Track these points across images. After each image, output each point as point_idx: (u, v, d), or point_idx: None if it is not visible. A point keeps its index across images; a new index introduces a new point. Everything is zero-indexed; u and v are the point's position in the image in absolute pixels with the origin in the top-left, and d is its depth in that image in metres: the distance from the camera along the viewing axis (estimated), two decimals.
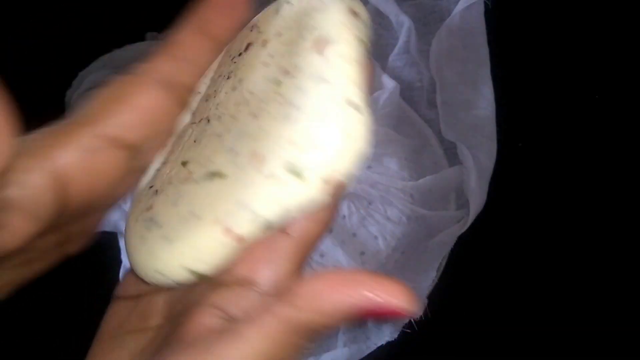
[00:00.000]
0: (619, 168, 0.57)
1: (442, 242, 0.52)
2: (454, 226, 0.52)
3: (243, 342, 0.19)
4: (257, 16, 0.25)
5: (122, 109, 0.23)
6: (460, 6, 0.56)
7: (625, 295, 0.54)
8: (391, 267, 0.54)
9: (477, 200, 0.52)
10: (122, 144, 0.23)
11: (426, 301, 0.50)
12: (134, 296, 0.29)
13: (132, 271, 0.27)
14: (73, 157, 0.22)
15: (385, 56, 0.60)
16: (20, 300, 0.58)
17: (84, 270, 0.58)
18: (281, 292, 0.21)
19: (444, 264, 0.52)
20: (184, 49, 0.24)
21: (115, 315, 0.29)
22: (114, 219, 0.57)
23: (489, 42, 0.56)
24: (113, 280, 0.56)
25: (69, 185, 0.22)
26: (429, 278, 0.51)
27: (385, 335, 0.50)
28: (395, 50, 0.60)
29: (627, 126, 0.58)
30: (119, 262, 0.57)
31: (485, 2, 0.56)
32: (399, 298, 0.20)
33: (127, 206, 0.56)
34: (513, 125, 0.56)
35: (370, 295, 0.20)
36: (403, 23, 0.59)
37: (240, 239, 0.21)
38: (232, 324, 0.20)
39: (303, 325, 0.20)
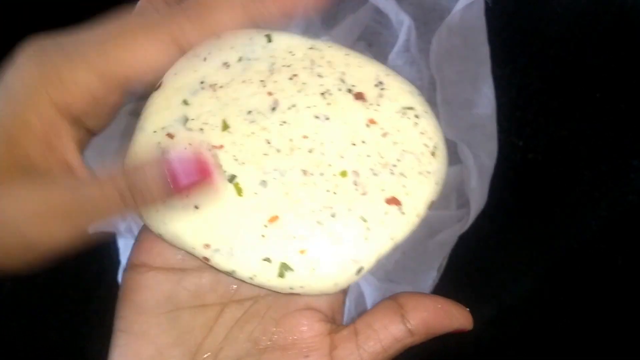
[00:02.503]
0: (619, 168, 0.57)
1: (443, 242, 0.52)
2: (454, 226, 0.52)
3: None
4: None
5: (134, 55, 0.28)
6: (460, 5, 0.55)
7: (626, 296, 0.54)
8: (391, 267, 0.54)
9: (478, 199, 0.52)
10: (124, 87, 0.28)
11: None
12: (174, 269, 0.29)
13: (158, 242, 0.30)
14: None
15: (385, 55, 0.60)
16: (20, 300, 0.59)
17: (84, 270, 0.58)
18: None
19: (444, 263, 0.52)
20: (212, 17, 0.29)
21: (155, 288, 0.29)
22: (113, 219, 0.57)
23: (490, 41, 0.56)
24: (112, 280, 0.56)
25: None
26: (429, 278, 0.51)
27: None
28: (395, 48, 0.60)
29: (628, 126, 0.58)
30: (118, 262, 0.57)
31: (485, 1, 0.56)
32: (469, 324, 0.30)
33: None
34: (514, 124, 0.56)
35: (457, 327, 0.29)
36: (403, 21, 0.59)
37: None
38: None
39: (408, 345, 0.29)
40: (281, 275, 0.28)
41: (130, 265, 0.29)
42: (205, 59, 0.29)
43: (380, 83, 0.30)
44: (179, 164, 0.25)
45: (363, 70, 0.30)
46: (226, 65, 0.30)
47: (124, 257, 0.57)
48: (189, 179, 0.25)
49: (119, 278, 0.57)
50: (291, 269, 0.28)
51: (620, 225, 0.55)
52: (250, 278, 0.28)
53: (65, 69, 0.26)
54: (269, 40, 0.30)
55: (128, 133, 0.58)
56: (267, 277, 0.28)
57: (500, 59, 0.57)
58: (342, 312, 0.31)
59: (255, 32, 0.30)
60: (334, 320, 0.30)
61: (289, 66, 0.30)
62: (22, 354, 0.57)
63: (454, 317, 0.29)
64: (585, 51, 0.59)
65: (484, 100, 0.56)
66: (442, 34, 0.57)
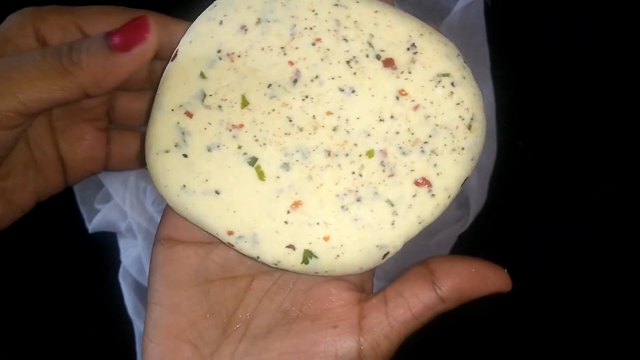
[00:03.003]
0: (619, 167, 0.57)
1: (442, 242, 0.52)
2: (454, 225, 0.52)
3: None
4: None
5: None
6: (459, 5, 0.56)
7: (626, 293, 0.54)
8: (391, 267, 0.54)
9: (477, 199, 0.52)
10: None
11: None
12: (201, 242, 0.29)
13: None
14: None
15: None
16: (20, 300, 0.59)
17: (84, 271, 0.58)
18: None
19: None
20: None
21: (184, 262, 0.28)
22: (113, 219, 0.57)
23: (489, 41, 0.56)
24: (113, 280, 0.56)
25: None
26: None
27: None
28: None
29: (627, 125, 0.58)
30: (119, 262, 0.57)
31: (485, 1, 0.56)
32: (507, 285, 0.28)
33: (126, 206, 0.56)
34: (513, 124, 0.56)
35: (493, 291, 0.28)
36: None
37: None
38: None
39: (440, 311, 0.27)
40: (305, 261, 0.27)
41: (159, 239, 0.29)
42: (221, 22, 0.27)
43: (413, 46, 0.27)
44: (119, 30, 0.26)
45: (393, 30, 0.27)
46: (244, 28, 0.27)
47: (124, 257, 0.57)
48: (125, 38, 0.26)
49: (119, 278, 0.57)
50: (315, 256, 0.27)
51: (620, 225, 0.56)
52: (275, 264, 0.27)
53: None
54: None
55: None
56: (292, 263, 0.27)
57: (500, 59, 0.57)
58: (371, 280, 0.30)
59: None
60: (363, 289, 0.29)
61: (311, 28, 0.27)
62: (22, 353, 0.58)
63: (489, 280, 0.28)
64: (584, 51, 0.59)
65: (484, 100, 0.56)
66: (441, 33, 0.57)
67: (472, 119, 0.27)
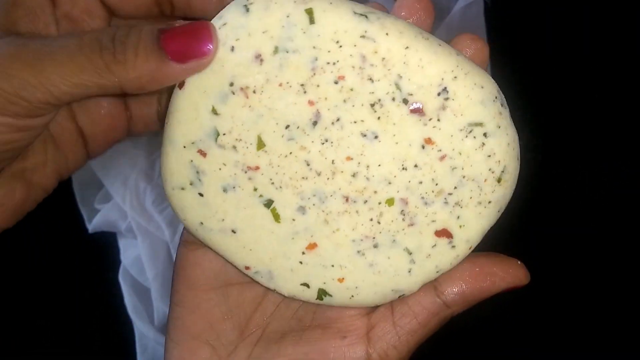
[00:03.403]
0: (619, 169, 0.57)
1: None
2: None
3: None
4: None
5: None
6: (459, 4, 0.56)
7: (627, 295, 0.54)
8: None
9: None
10: None
11: None
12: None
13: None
14: None
15: None
16: (20, 299, 0.59)
17: (84, 271, 0.58)
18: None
19: None
20: None
21: (205, 265, 0.29)
22: (113, 219, 0.57)
23: (489, 41, 0.55)
24: (113, 280, 0.56)
25: None
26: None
27: None
28: None
29: (627, 125, 0.58)
30: (119, 262, 0.57)
31: (484, 1, 0.56)
32: (520, 278, 0.26)
33: (126, 206, 0.56)
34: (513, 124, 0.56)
35: (505, 287, 0.26)
36: None
37: None
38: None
39: (448, 317, 0.27)
40: (320, 298, 0.27)
41: (183, 242, 0.29)
42: (232, 49, 0.24)
43: (445, 90, 0.24)
44: (179, 29, 0.23)
45: (424, 72, 0.24)
46: (259, 58, 0.24)
47: (124, 257, 0.57)
48: (182, 45, 0.22)
49: (119, 278, 0.57)
50: (329, 295, 0.27)
51: (620, 227, 0.56)
52: (291, 297, 0.28)
53: None
54: (312, 21, 0.23)
55: None
56: (307, 298, 0.27)
57: (500, 59, 0.57)
58: None
59: (291, 3, 0.23)
60: None
61: (334, 63, 0.24)
62: (22, 353, 0.58)
63: (497, 277, 0.26)
64: (584, 51, 0.59)
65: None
66: (441, 34, 0.57)
67: (503, 171, 0.25)
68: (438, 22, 0.58)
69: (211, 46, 0.23)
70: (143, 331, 0.55)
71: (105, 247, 0.58)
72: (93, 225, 0.57)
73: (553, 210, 0.56)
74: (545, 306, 0.54)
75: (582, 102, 0.59)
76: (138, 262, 0.56)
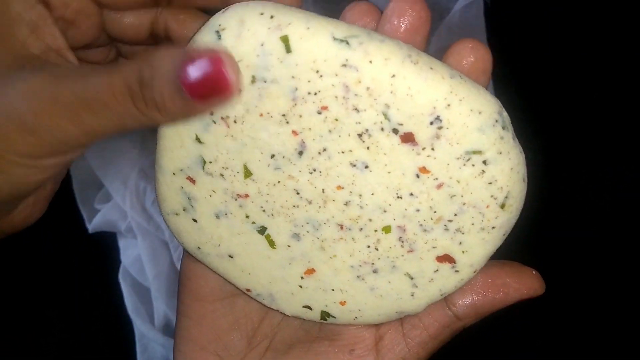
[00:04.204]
0: (619, 166, 0.57)
1: None
2: None
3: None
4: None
5: None
6: (459, 4, 0.56)
7: (628, 299, 0.54)
8: None
9: None
10: None
11: None
12: None
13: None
14: None
15: None
16: (20, 299, 0.58)
17: (84, 271, 0.58)
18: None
19: None
20: None
21: (209, 276, 0.28)
22: (113, 219, 0.57)
23: (489, 41, 0.56)
24: (113, 280, 0.56)
25: None
26: None
27: None
28: None
29: (627, 125, 0.58)
30: (119, 262, 0.57)
31: (484, 1, 0.56)
32: (535, 289, 0.26)
33: (126, 206, 0.56)
34: (513, 125, 0.56)
35: (519, 298, 0.25)
36: None
37: None
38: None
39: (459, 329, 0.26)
40: (324, 319, 0.27)
41: (186, 254, 0.29)
42: None
43: (437, 119, 0.22)
44: (195, 70, 0.21)
45: (414, 100, 0.22)
46: None
47: (124, 257, 0.57)
48: (202, 84, 0.22)
49: (119, 278, 0.57)
50: (333, 317, 0.27)
51: (623, 229, 0.55)
52: (295, 317, 0.27)
53: None
54: (288, 50, 0.22)
55: (127, 134, 0.58)
56: (310, 318, 0.27)
57: (500, 59, 0.57)
58: None
59: (265, 30, 0.22)
60: None
61: (315, 94, 0.22)
62: (22, 353, 0.58)
63: (511, 289, 0.25)
64: (584, 51, 0.59)
65: None
66: (441, 33, 0.57)
67: (506, 197, 0.24)
68: (438, 22, 0.58)
69: (233, 84, 0.22)
70: (143, 331, 0.55)
71: (105, 247, 0.58)
72: (93, 225, 0.57)
73: (554, 214, 0.56)
74: (548, 309, 0.54)
75: (582, 103, 0.59)
76: (138, 262, 0.56)
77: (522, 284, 0.26)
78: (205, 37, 0.23)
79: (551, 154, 0.58)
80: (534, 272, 0.26)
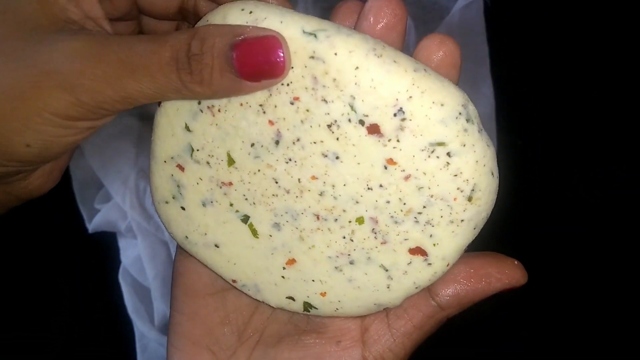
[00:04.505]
0: (619, 166, 0.57)
1: None
2: None
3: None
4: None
5: None
6: (459, 4, 0.56)
7: (627, 295, 0.54)
8: None
9: None
10: None
11: None
12: None
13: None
14: None
15: None
16: (20, 299, 0.59)
17: (84, 270, 0.58)
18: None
19: None
20: None
21: (201, 272, 0.29)
22: (113, 219, 0.57)
23: (488, 40, 0.56)
24: (113, 279, 0.57)
25: None
26: None
27: None
28: None
29: (626, 124, 0.58)
30: (119, 262, 0.57)
31: (484, 1, 0.56)
32: (517, 279, 0.26)
33: (126, 206, 0.56)
34: (512, 124, 0.56)
35: (501, 288, 0.26)
36: None
37: None
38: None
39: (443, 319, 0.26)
40: (306, 310, 0.27)
41: (179, 250, 0.30)
42: None
43: (401, 111, 0.23)
44: (250, 45, 0.22)
45: (377, 92, 0.23)
46: None
47: (124, 256, 0.57)
48: (255, 64, 0.22)
49: (119, 278, 0.57)
50: (315, 307, 0.27)
51: (619, 226, 0.56)
52: (280, 308, 0.28)
53: None
54: None
55: (127, 134, 0.58)
56: (294, 310, 0.28)
57: (499, 59, 0.57)
58: None
59: (244, 24, 0.24)
60: None
61: (288, 84, 0.23)
62: (22, 353, 0.58)
63: (493, 278, 0.26)
64: (583, 50, 0.59)
65: (483, 100, 0.56)
66: (441, 33, 0.57)
67: (472, 190, 0.24)
68: (438, 22, 0.58)
69: (283, 70, 0.23)
70: (143, 331, 0.55)
71: (105, 247, 0.58)
72: (93, 225, 0.57)
73: (552, 207, 0.56)
74: (537, 303, 0.54)
75: (581, 102, 0.59)
76: (138, 262, 0.56)
77: (503, 274, 0.26)
78: None
79: (549, 150, 0.58)
80: (515, 262, 0.27)
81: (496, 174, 0.25)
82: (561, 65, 0.59)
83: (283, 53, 0.22)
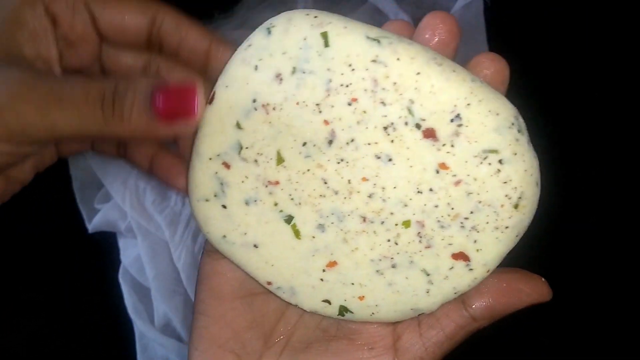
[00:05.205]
0: (619, 166, 0.57)
1: None
2: None
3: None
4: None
5: None
6: (459, 4, 0.56)
7: (628, 294, 0.54)
8: None
9: None
10: None
11: None
12: None
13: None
14: None
15: None
16: (20, 299, 0.59)
17: (84, 270, 0.58)
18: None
19: None
20: None
21: (229, 274, 0.29)
22: (113, 219, 0.57)
23: (488, 41, 0.56)
24: (113, 279, 0.56)
25: None
26: None
27: None
28: None
29: (627, 124, 0.58)
30: (119, 262, 0.57)
31: (484, 0, 0.56)
32: (544, 295, 0.27)
33: (126, 206, 0.56)
34: None
35: (529, 303, 0.27)
36: None
37: None
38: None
39: (473, 330, 0.27)
40: (341, 314, 0.28)
41: (206, 252, 0.30)
42: (256, 68, 0.25)
43: (458, 117, 0.24)
44: (169, 90, 0.25)
45: (437, 98, 0.24)
46: (279, 77, 0.25)
47: (124, 256, 0.57)
48: (171, 107, 0.25)
49: (119, 278, 0.57)
50: (350, 312, 0.28)
51: (619, 226, 0.55)
52: (313, 312, 0.28)
53: None
54: (326, 44, 0.24)
55: None
56: (328, 314, 0.28)
57: None
58: None
59: (308, 27, 0.25)
60: None
61: (347, 86, 0.24)
62: (22, 353, 0.58)
63: (523, 293, 0.27)
64: (584, 50, 0.59)
65: None
66: None
67: (520, 197, 0.25)
68: None
69: (195, 110, 0.25)
70: (143, 331, 0.55)
71: (105, 247, 0.58)
72: (93, 225, 0.57)
73: (552, 207, 0.56)
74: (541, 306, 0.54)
75: (581, 101, 0.59)
76: (138, 262, 0.56)
77: (534, 290, 0.27)
78: (257, 34, 0.26)
79: (548, 150, 0.58)
80: (542, 279, 0.28)
81: (539, 184, 0.26)
82: (561, 65, 0.59)
83: (197, 98, 0.25)
